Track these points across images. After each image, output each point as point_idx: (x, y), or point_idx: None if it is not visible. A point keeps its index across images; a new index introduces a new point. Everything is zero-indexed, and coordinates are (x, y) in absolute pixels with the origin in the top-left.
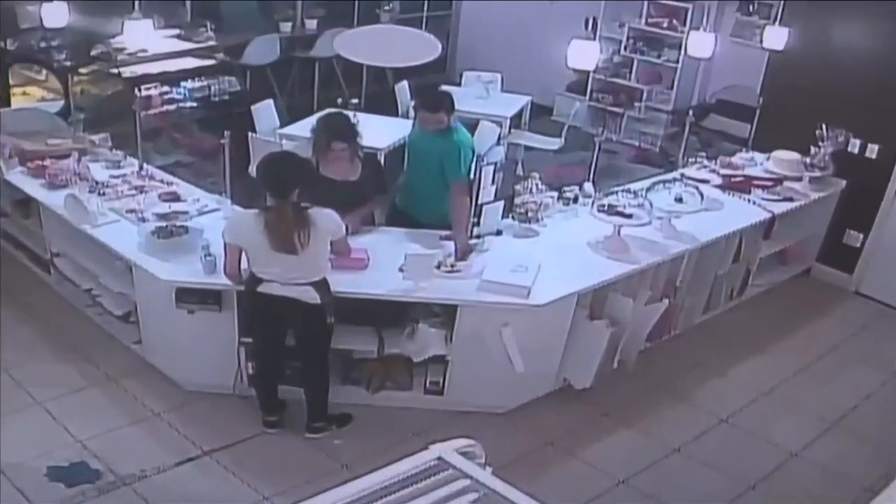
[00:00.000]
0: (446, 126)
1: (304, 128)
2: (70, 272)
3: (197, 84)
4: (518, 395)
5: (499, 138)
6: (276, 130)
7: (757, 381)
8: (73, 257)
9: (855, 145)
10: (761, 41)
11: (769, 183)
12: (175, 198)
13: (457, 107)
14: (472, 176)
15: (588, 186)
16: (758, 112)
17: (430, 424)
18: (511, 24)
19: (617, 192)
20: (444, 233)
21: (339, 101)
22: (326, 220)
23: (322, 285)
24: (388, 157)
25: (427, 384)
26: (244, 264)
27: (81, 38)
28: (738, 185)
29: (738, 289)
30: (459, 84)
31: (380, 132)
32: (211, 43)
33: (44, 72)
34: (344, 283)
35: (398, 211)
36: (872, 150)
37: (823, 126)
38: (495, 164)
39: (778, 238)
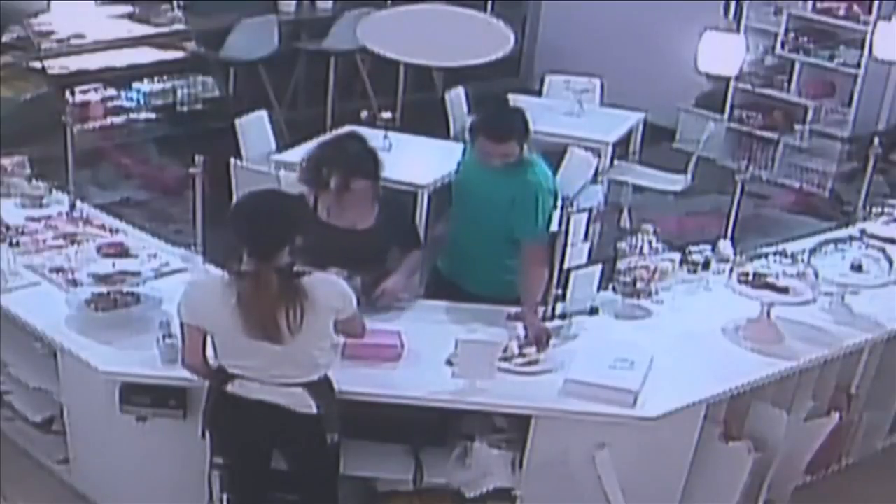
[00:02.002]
0: (517, 158)
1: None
2: None
3: (157, 86)
4: None
5: (596, 173)
6: (270, 156)
7: None
8: None
9: None
10: None
11: None
12: (122, 252)
13: (533, 127)
14: (553, 229)
15: (725, 246)
16: None
17: None
18: (616, 10)
19: (767, 256)
20: (514, 310)
21: (365, 114)
22: (328, 290)
23: (321, 388)
24: (433, 198)
25: None
26: (211, 351)
27: None
28: None
29: None
30: (540, 93)
31: (423, 161)
32: (178, 27)
33: None
34: (365, 382)
35: (442, 278)
36: None
37: None
38: (590, 210)
39: None
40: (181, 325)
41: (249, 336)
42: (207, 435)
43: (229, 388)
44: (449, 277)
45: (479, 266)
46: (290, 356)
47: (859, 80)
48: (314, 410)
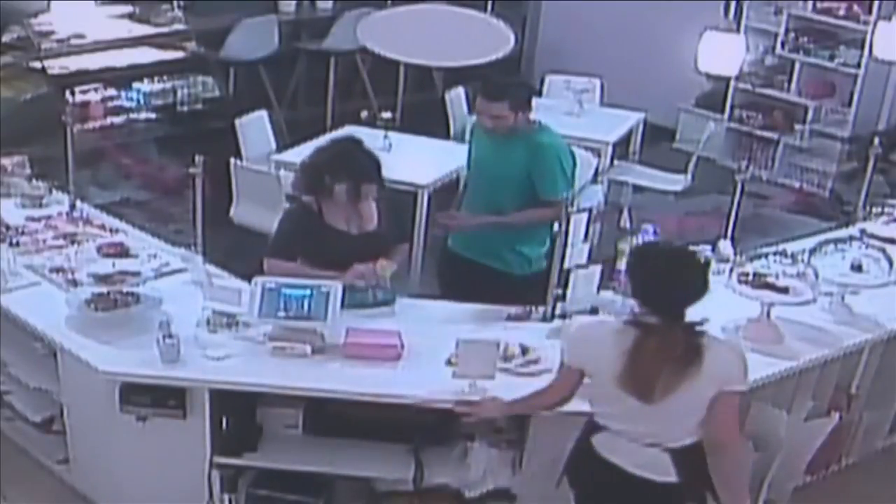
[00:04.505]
0: (511, 126)
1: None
2: None
3: (157, 86)
4: None
5: (596, 173)
6: (270, 156)
7: None
8: None
9: None
10: None
11: None
12: (122, 252)
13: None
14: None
15: (724, 246)
16: None
17: None
18: (616, 10)
19: (767, 256)
20: (514, 310)
21: (365, 114)
22: (724, 358)
23: (688, 456)
24: (434, 198)
25: None
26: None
27: None
28: None
29: None
30: (540, 93)
31: (422, 161)
32: (178, 27)
33: None
34: (365, 382)
35: (455, 256)
36: None
37: None
38: (590, 210)
39: None
40: (560, 364)
41: (618, 384)
42: (209, 432)
43: (595, 441)
44: (463, 254)
45: (495, 240)
46: (654, 416)
47: (859, 80)
48: (673, 479)
